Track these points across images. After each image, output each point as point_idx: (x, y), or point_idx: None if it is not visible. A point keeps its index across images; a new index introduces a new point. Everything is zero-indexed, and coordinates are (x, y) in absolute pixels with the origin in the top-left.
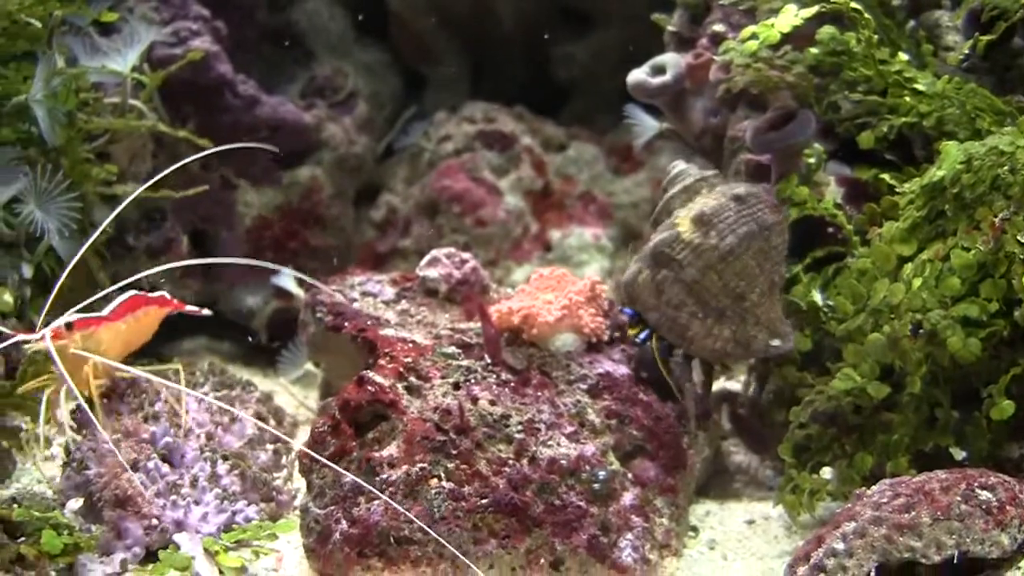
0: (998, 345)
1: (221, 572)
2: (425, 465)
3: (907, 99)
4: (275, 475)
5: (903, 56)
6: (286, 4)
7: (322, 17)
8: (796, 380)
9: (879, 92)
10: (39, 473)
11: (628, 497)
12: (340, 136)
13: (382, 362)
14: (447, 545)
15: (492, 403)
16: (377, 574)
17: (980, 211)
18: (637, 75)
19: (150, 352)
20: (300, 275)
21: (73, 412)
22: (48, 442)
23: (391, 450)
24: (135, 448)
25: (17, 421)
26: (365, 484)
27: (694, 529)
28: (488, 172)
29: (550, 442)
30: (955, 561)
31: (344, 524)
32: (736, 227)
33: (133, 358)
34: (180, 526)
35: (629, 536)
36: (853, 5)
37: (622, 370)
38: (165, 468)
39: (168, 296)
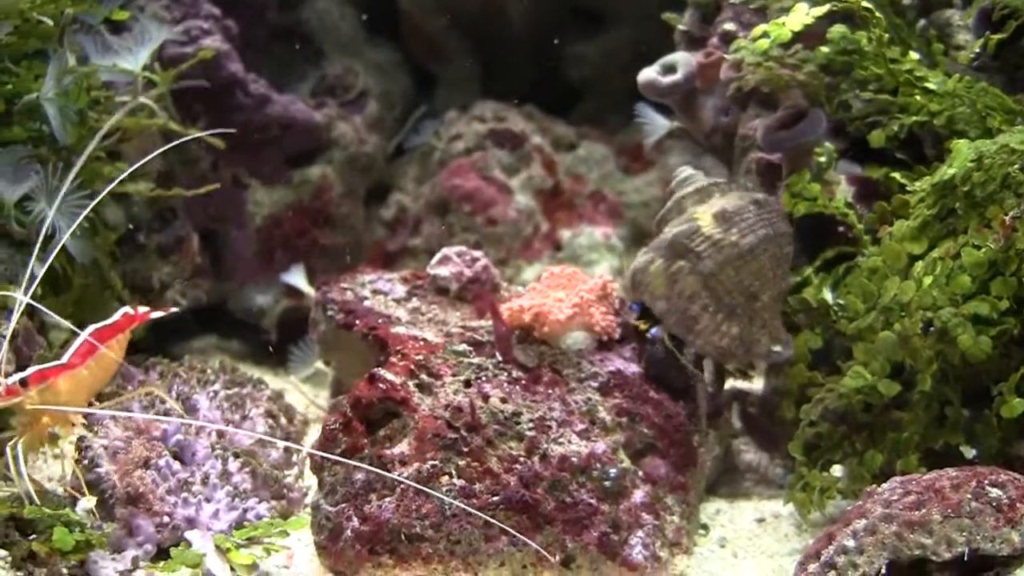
0: (1008, 343)
1: (232, 569)
2: (436, 462)
3: (918, 98)
4: (286, 472)
5: (914, 55)
6: (296, 3)
7: (332, 16)
8: (806, 379)
9: (890, 91)
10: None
11: (639, 495)
12: (351, 135)
13: (393, 360)
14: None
15: (503, 400)
16: (388, 571)
17: (991, 209)
18: (648, 74)
19: (159, 351)
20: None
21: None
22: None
23: (402, 447)
24: (146, 446)
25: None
26: (383, 472)
27: (704, 527)
28: (499, 171)
29: (561, 439)
30: (965, 558)
31: (355, 521)
32: (756, 228)
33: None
34: (191, 523)
35: (640, 534)
36: (864, 4)
37: (633, 368)
38: (176, 465)
39: (131, 311)
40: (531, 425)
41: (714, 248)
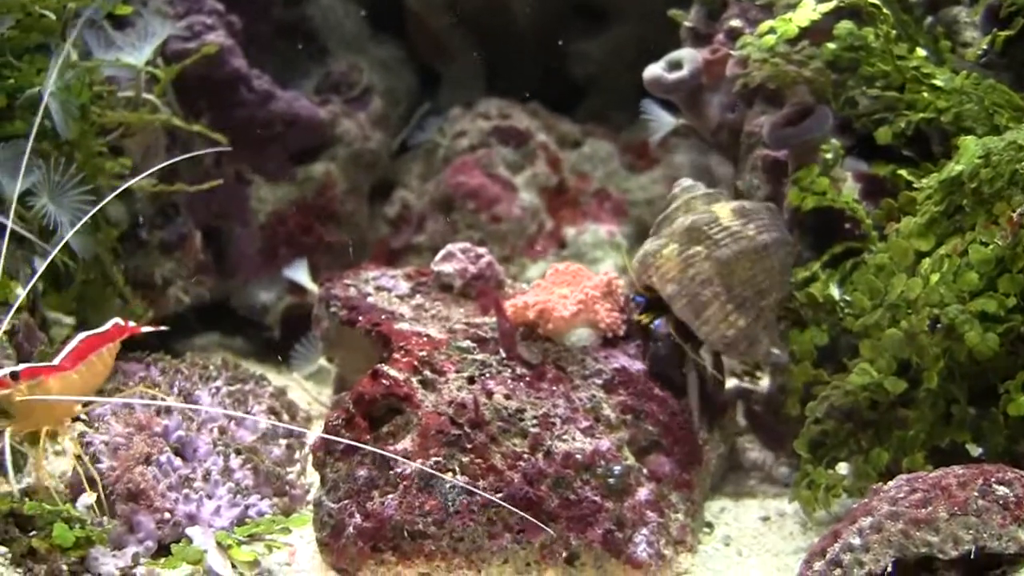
0: (1015, 340)
1: (234, 566)
2: (440, 459)
3: (925, 95)
4: (288, 469)
5: (921, 52)
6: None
7: (337, 13)
8: (811, 376)
9: (897, 88)
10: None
11: (643, 492)
12: (355, 132)
13: (396, 356)
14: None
15: (507, 397)
16: (391, 568)
17: (998, 206)
18: (653, 70)
19: (162, 348)
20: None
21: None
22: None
23: (405, 444)
24: (148, 442)
25: None
26: (398, 457)
27: (709, 525)
28: (503, 168)
29: (565, 436)
30: (972, 557)
31: (358, 518)
32: (770, 229)
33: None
34: (193, 520)
35: (644, 531)
36: (871, 0)
37: (637, 365)
38: (178, 462)
39: (121, 322)
40: (535, 422)
41: (732, 238)
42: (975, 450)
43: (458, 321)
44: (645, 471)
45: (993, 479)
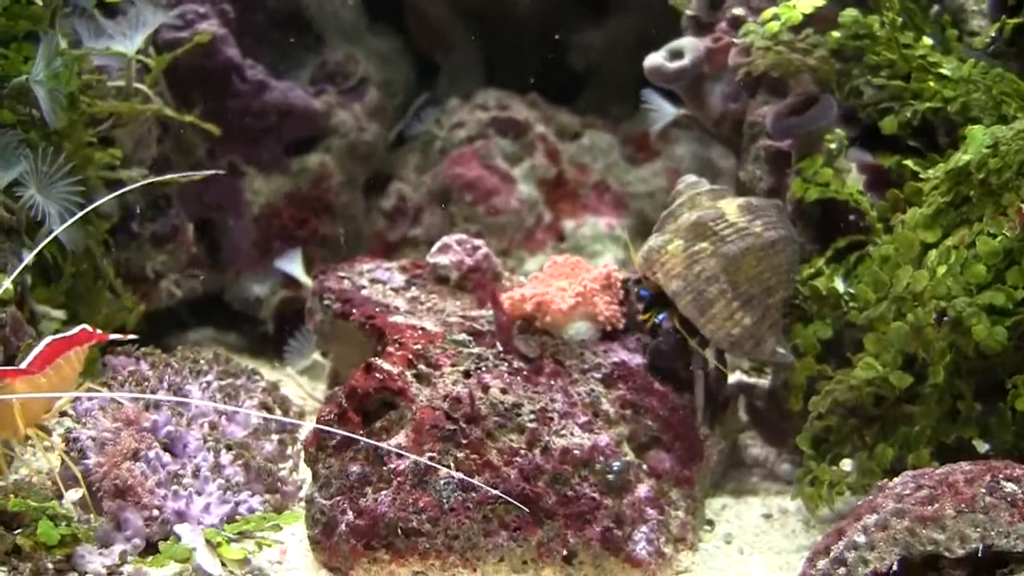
0: (1023, 335)
1: (223, 564)
2: (434, 454)
3: (931, 84)
4: (280, 465)
5: (927, 40)
6: None
7: (333, 2)
8: (815, 371)
9: (902, 77)
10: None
11: (643, 489)
12: (350, 123)
13: (391, 349)
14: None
15: (503, 391)
16: (384, 567)
17: (1007, 196)
18: (654, 59)
19: (155, 343)
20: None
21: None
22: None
23: (399, 439)
24: (136, 437)
25: None
26: (392, 448)
27: (710, 523)
28: (501, 160)
29: (563, 432)
30: (979, 555)
31: (350, 515)
32: (777, 226)
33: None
34: (181, 517)
35: (644, 529)
36: None
37: (637, 359)
38: (167, 457)
39: (89, 329)
40: (532, 417)
41: (738, 235)
42: (982, 446)
43: (454, 314)
44: (645, 467)
45: (1001, 476)
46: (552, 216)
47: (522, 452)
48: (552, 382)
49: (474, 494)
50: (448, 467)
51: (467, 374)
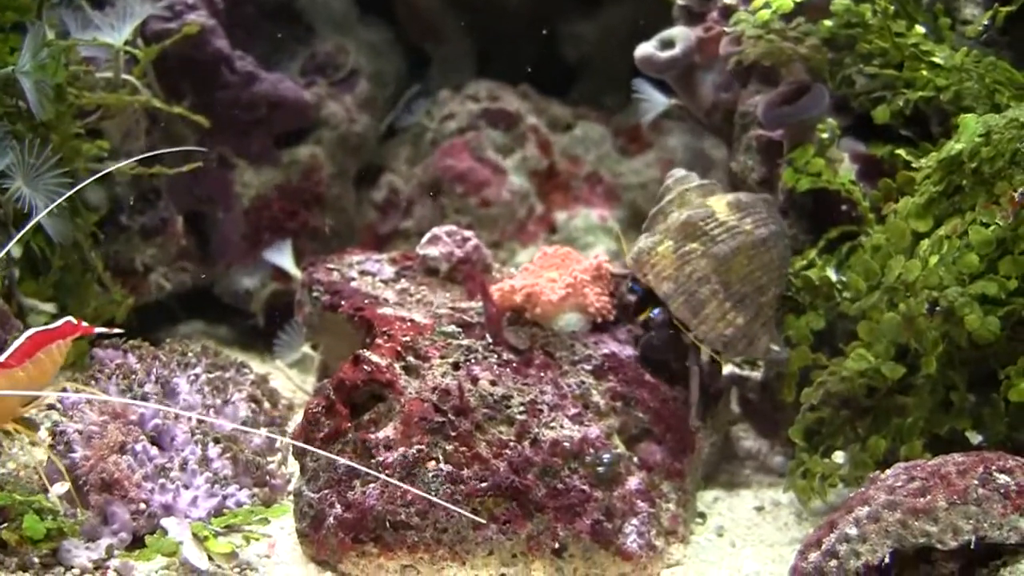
0: (1016, 325)
1: (210, 558)
2: (423, 447)
3: (924, 73)
4: (269, 459)
5: (920, 29)
6: None
7: None
8: (809, 361)
9: (895, 65)
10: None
11: (633, 481)
12: (341, 114)
13: (379, 341)
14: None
15: (493, 383)
16: (372, 560)
17: (999, 185)
18: (645, 49)
19: (144, 337)
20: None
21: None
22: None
23: (388, 431)
24: (123, 430)
25: None
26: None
27: (702, 515)
28: (492, 151)
29: (553, 424)
30: (972, 547)
31: (338, 508)
32: (768, 222)
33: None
34: (168, 510)
35: (634, 522)
36: None
37: (628, 351)
38: (154, 451)
39: (74, 321)
40: (522, 409)
41: (728, 234)
42: (975, 438)
43: (443, 306)
44: (635, 459)
45: (994, 467)
46: (544, 208)
47: (511, 444)
48: (542, 374)
49: (463, 487)
50: (437, 460)
51: (456, 366)
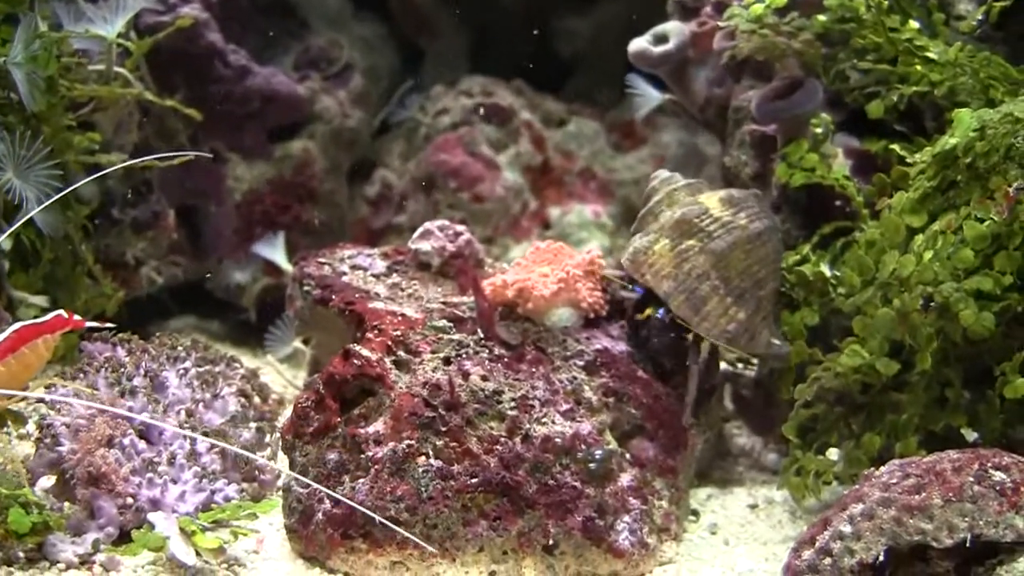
0: (1011, 320)
1: (198, 553)
2: (413, 442)
3: (918, 68)
4: (259, 453)
5: (914, 24)
6: None
7: None
8: (806, 355)
9: (889, 61)
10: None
11: (626, 478)
12: (334, 109)
13: (370, 335)
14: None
15: (484, 379)
16: (361, 556)
17: (994, 180)
18: (639, 43)
19: (135, 331)
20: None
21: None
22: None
23: (377, 426)
24: (110, 424)
25: None
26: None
27: (695, 513)
28: (486, 147)
29: (544, 419)
30: (967, 545)
31: (327, 504)
32: (761, 216)
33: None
34: (156, 505)
35: (626, 519)
36: None
37: (620, 347)
38: (142, 445)
39: (64, 315)
40: (513, 404)
41: (724, 229)
42: (970, 434)
43: (435, 300)
44: (628, 456)
45: (989, 464)
46: (537, 203)
47: (502, 440)
48: (534, 369)
49: (453, 482)
50: (427, 455)
51: (447, 361)
